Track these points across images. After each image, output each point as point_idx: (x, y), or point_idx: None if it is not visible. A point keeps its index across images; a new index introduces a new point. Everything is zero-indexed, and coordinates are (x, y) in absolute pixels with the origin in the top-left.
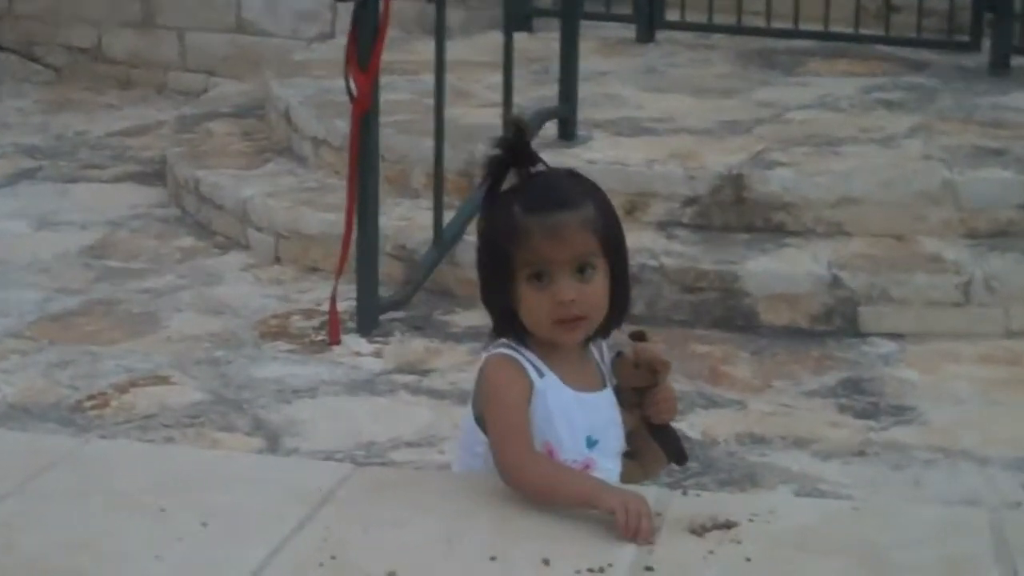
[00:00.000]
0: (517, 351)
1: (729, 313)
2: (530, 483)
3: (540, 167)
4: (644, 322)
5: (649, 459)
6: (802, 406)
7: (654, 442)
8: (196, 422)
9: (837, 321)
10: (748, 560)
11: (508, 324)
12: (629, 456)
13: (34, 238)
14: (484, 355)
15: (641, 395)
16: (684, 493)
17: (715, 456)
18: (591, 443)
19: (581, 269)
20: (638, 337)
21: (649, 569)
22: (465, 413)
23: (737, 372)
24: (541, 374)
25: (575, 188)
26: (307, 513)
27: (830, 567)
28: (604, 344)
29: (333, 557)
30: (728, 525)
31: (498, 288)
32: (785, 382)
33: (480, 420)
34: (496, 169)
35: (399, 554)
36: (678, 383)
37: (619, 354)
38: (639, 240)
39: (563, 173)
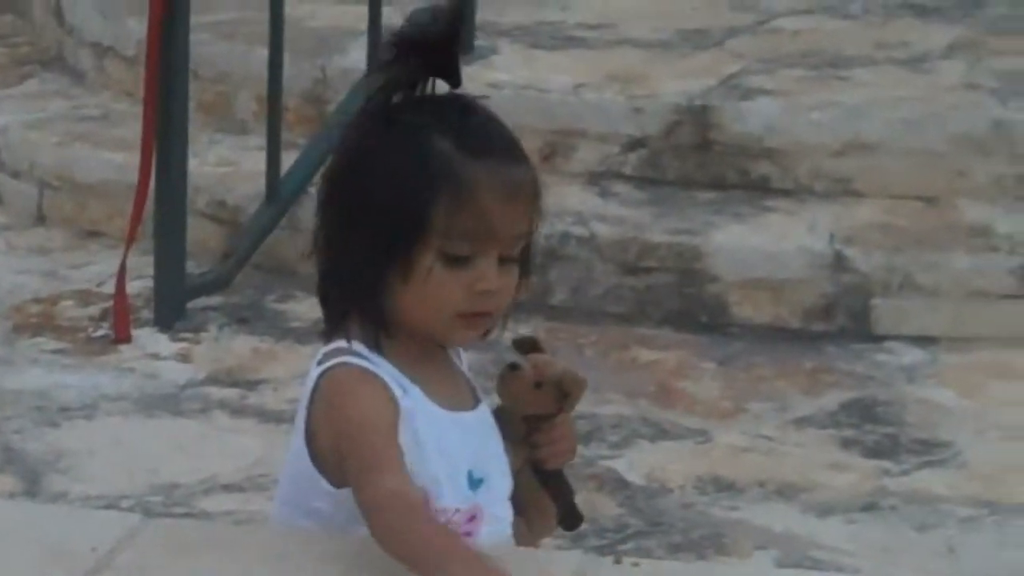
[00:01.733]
0: (371, 362)
1: (688, 305)
2: (389, 541)
3: (464, 89)
4: (566, 315)
5: (535, 513)
6: (790, 440)
7: (543, 492)
8: None
9: (841, 319)
10: None
11: (364, 317)
12: (513, 504)
13: None
14: (319, 368)
15: (531, 429)
16: (617, 561)
17: (664, 508)
18: (474, 482)
19: (506, 256)
20: (529, 346)
21: None
22: (291, 454)
23: (698, 390)
24: (403, 390)
25: (508, 129)
26: None
27: None
28: (460, 349)
29: None
30: None
31: (371, 261)
32: (766, 405)
33: (315, 460)
34: (404, 73)
35: None
36: (614, 404)
37: (512, 366)
38: (561, 199)
39: (474, 102)
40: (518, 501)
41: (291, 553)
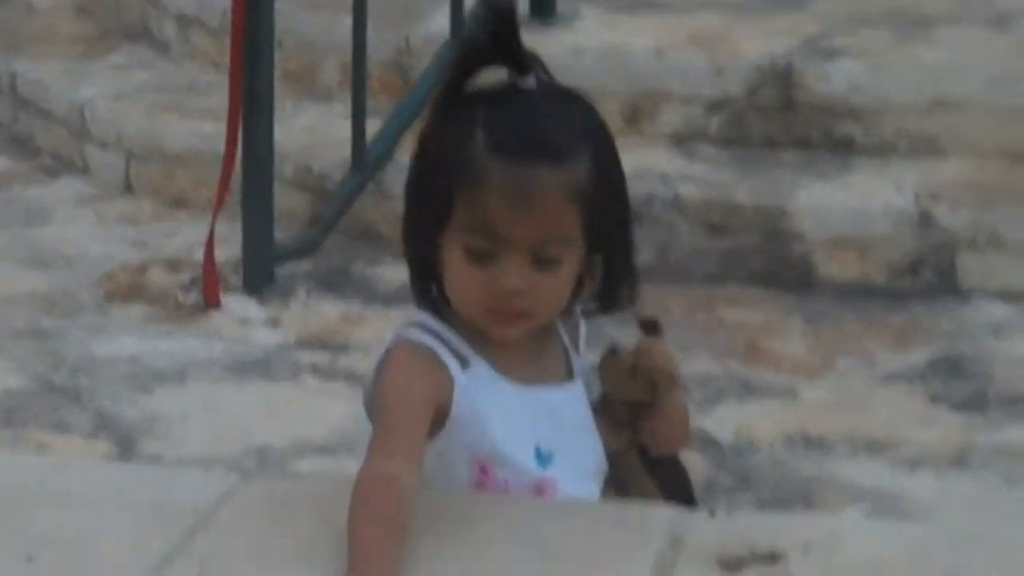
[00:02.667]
0: (435, 333)
1: (774, 265)
2: (352, 503)
3: (529, 79)
4: (652, 276)
5: (637, 496)
6: (878, 395)
7: (648, 479)
8: (14, 419)
9: (928, 276)
10: None
11: (426, 286)
12: (615, 487)
13: None
14: (393, 336)
15: (637, 412)
16: (712, 514)
17: (754, 465)
18: (542, 457)
19: (541, 257)
20: (648, 328)
21: None
22: (360, 414)
23: (786, 348)
24: (466, 363)
25: (570, 124)
26: (174, 543)
27: None
28: (582, 324)
29: None
30: (773, 558)
31: (423, 233)
32: (853, 361)
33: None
34: (468, 60)
35: None
36: (701, 363)
37: (612, 350)
38: (645, 161)
39: (559, 94)
40: (620, 483)
41: None
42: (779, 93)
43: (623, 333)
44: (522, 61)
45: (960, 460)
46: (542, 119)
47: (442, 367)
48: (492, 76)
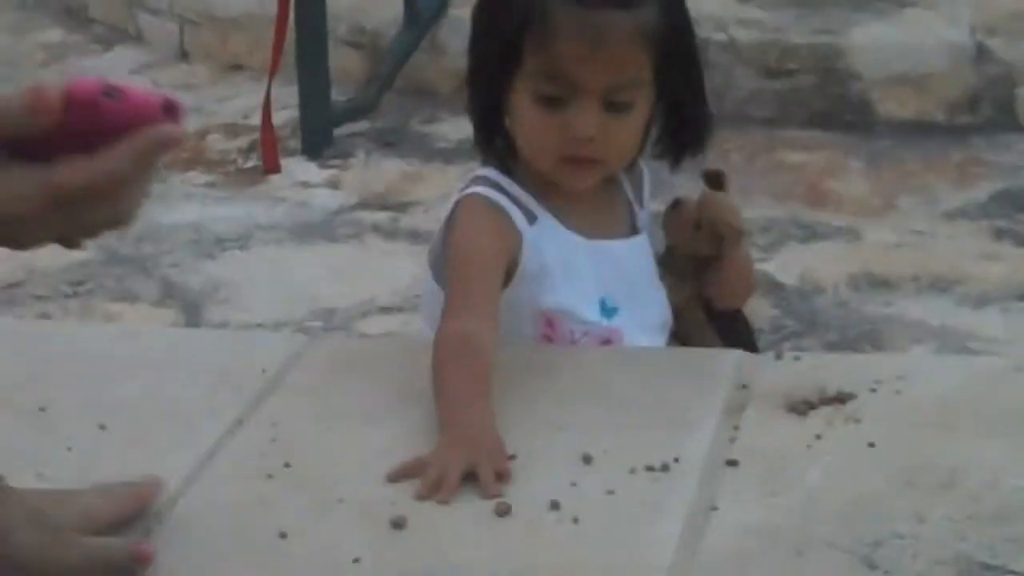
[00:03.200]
0: (501, 188)
1: (832, 105)
2: (435, 362)
3: None
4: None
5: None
6: (941, 233)
7: (712, 333)
8: (81, 290)
9: (987, 110)
10: (871, 446)
11: (491, 141)
12: (679, 340)
13: None
14: (458, 192)
15: (699, 266)
16: (779, 357)
17: (820, 308)
18: (607, 310)
19: (614, 101)
20: (713, 180)
21: (732, 463)
22: (425, 272)
23: (847, 188)
24: (533, 218)
25: None
26: (246, 405)
27: (985, 450)
28: (646, 176)
29: (287, 465)
30: (842, 399)
31: (491, 90)
32: (915, 200)
33: (441, 278)
34: None
35: (382, 458)
36: (763, 207)
37: (675, 203)
38: (698, 5)
39: None
40: (684, 336)
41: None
42: None
43: (687, 185)
44: None
45: None
46: None
47: (510, 221)
48: None
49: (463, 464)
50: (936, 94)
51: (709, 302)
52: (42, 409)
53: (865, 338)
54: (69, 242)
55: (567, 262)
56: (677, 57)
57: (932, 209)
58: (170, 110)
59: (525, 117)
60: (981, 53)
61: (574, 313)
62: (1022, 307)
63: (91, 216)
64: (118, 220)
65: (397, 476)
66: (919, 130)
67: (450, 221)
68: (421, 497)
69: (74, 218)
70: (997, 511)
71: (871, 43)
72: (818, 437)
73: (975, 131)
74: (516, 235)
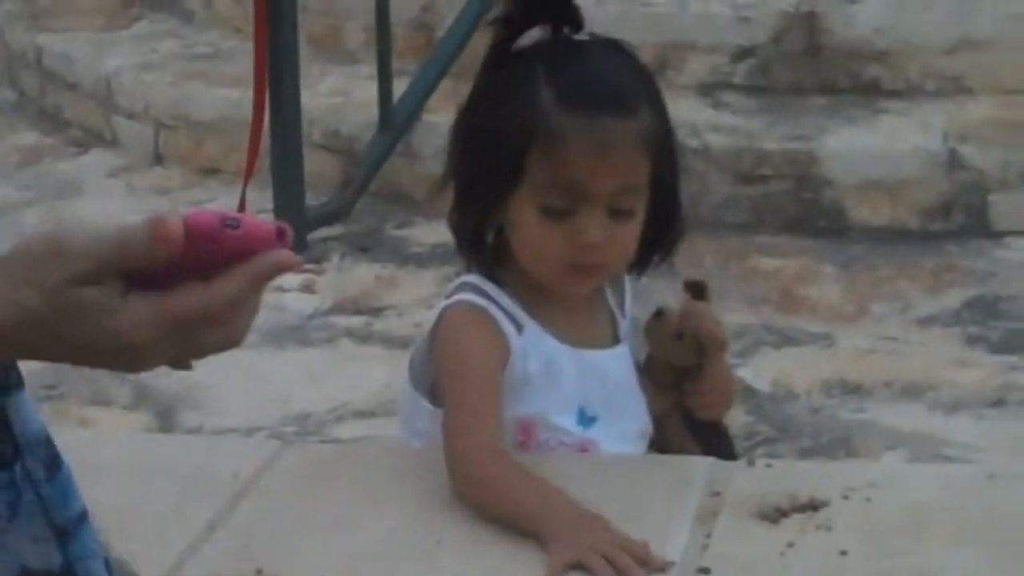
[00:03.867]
0: (488, 296)
1: (805, 211)
2: (480, 497)
3: (583, 32)
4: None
5: None
6: (914, 339)
7: (692, 442)
8: (55, 393)
9: (959, 217)
10: (843, 554)
11: (484, 252)
12: (658, 449)
13: None
14: (444, 302)
15: (681, 376)
16: (751, 464)
17: (792, 414)
18: (586, 419)
19: (618, 208)
20: (695, 291)
21: (704, 571)
22: (404, 378)
23: (820, 294)
24: (520, 326)
25: (629, 76)
26: (219, 511)
27: (958, 559)
28: (628, 286)
29: (259, 571)
30: (814, 506)
31: (486, 201)
32: (889, 306)
33: (434, 389)
34: (518, 18)
35: (352, 564)
36: (737, 313)
37: (658, 313)
38: (673, 111)
39: (610, 46)
40: (663, 445)
41: (423, 472)
42: (804, 38)
43: (667, 292)
44: (574, 16)
45: (999, 401)
46: (605, 71)
47: (500, 331)
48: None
49: (600, 554)
50: (909, 201)
51: (689, 412)
52: None
53: (839, 444)
54: (179, 364)
55: (550, 370)
56: (669, 162)
57: (905, 315)
58: (282, 237)
59: (529, 228)
60: (954, 160)
61: (551, 421)
62: (995, 414)
63: (205, 339)
64: (229, 342)
65: None
66: (892, 236)
67: (440, 331)
68: None
69: (190, 342)
70: None
71: (844, 150)
72: (790, 545)
73: (948, 237)
74: (506, 344)
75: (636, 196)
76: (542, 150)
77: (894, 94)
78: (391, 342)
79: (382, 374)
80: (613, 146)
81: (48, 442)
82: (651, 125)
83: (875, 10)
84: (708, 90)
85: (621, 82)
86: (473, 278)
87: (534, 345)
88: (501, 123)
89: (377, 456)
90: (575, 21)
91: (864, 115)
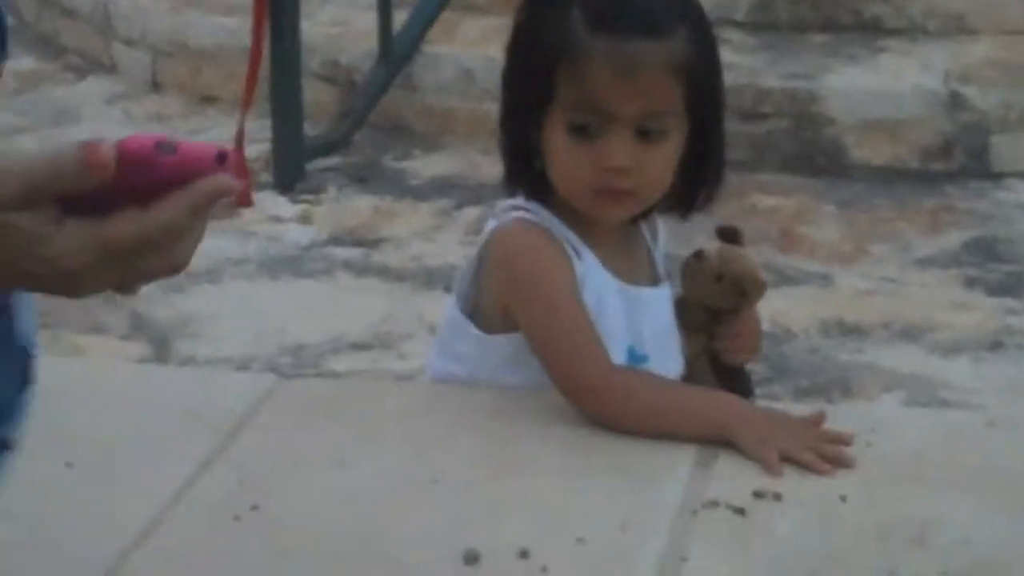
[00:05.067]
0: (543, 219)
1: (805, 149)
2: (622, 409)
3: None
4: None
5: None
6: (913, 280)
7: (717, 382)
8: (48, 320)
9: (960, 157)
10: (842, 499)
11: (530, 175)
12: None
13: None
14: (493, 223)
15: (713, 319)
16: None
17: (790, 354)
18: (636, 358)
19: (647, 130)
20: (728, 236)
21: (695, 514)
22: (449, 302)
23: (819, 234)
24: (579, 255)
25: (664, 1)
26: (214, 446)
27: (954, 506)
28: (661, 225)
29: (254, 507)
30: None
31: (525, 122)
32: (888, 246)
33: (476, 314)
34: None
35: (351, 502)
36: None
37: (697, 254)
38: None
39: None
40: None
41: (427, 409)
42: None
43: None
44: None
45: (997, 344)
46: None
47: (565, 252)
48: None
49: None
50: (909, 141)
51: (717, 355)
52: (4, 446)
53: (836, 385)
54: (124, 290)
55: (601, 304)
56: (706, 87)
57: (904, 256)
58: (223, 161)
59: (558, 149)
60: (955, 100)
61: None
62: (992, 357)
63: (145, 266)
64: (172, 268)
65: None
66: (892, 176)
67: (498, 250)
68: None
69: (128, 269)
70: (969, 569)
71: (845, 88)
72: (776, 497)
73: (948, 178)
74: (572, 266)
75: (667, 119)
76: (569, 70)
77: (896, 33)
78: (388, 274)
79: (379, 306)
80: (637, 68)
81: None
82: (685, 50)
83: None
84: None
85: (654, 5)
86: (523, 202)
87: (591, 276)
88: (535, 44)
89: (375, 393)
90: None
91: (865, 54)
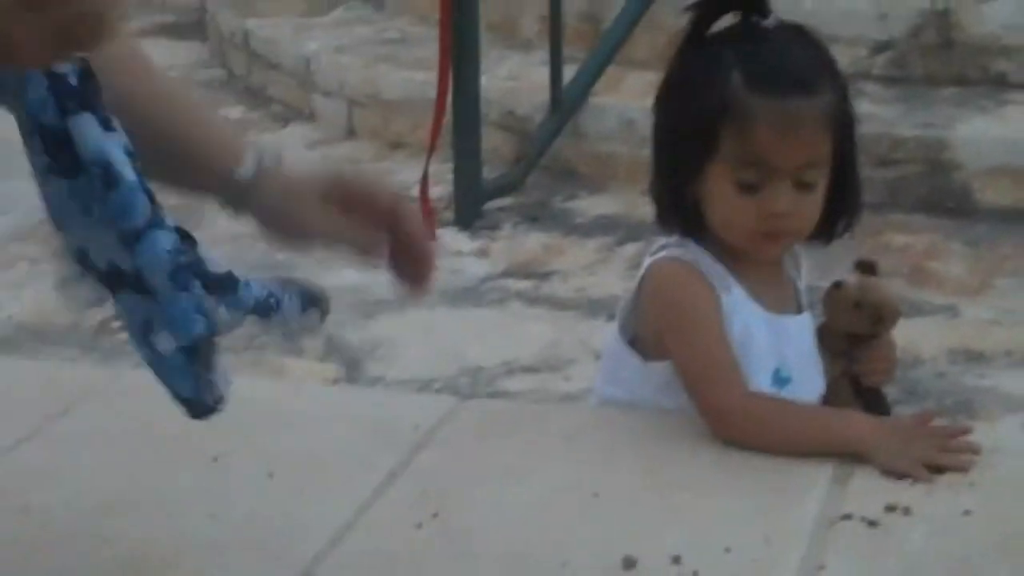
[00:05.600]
0: (694, 255)
1: (936, 192)
2: (757, 435)
3: (770, 19)
4: None
5: None
6: None
7: (856, 404)
8: (254, 344)
9: None
10: (967, 513)
11: (685, 217)
12: None
13: None
14: (649, 259)
15: (853, 344)
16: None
17: (919, 378)
18: (780, 380)
19: (803, 181)
20: (866, 268)
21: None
22: (611, 331)
23: (947, 269)
24: (727, 288)
25: (812, 59)
26: (399, 460)
27: None
28: (803, 258)
29: (435, 516)
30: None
31: (684, 172)
32: (1011, 281)
33: (636, 342)
34: (711, 6)
35: (523, 512)
36: None
37: (837, 284)
38: None
39: (793, 32)
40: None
41: (586, 430)
42: (938, 34)
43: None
44: (762, 5)
45: None
46: (792, 55)
47: (712, 286)
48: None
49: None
50: None
51: (857, 378)
52: (215, 458)
53: (961, 407)
54: (61, 54)
55: (747, 333)
56: (848, 137)
57: None
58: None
59: (722, 199)
60: None
61: (753, 381)
62: None
63: (64, 13)
64: (94, 16)
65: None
66: (1016, 217)
67: (653, 284)
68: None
69: (48, 17)
70: None
71: (973, 137)
72: (906, 511)
73: None
74: (718, 299)
75: (819, 169)
76: (734, 129)
77: (1020, 87)
78: (556, 304)
79: (547, 333)
80: (798, 125)
81: (104, 163)
82: (832, 103)
83: (1004, 9)
84: (848, 80)
85: (805, 64)
86: (677, 239)
87: (739, 307)
88: (696, 103)
89: (544, 414)
90: (763, 9)
91: (992, 105)
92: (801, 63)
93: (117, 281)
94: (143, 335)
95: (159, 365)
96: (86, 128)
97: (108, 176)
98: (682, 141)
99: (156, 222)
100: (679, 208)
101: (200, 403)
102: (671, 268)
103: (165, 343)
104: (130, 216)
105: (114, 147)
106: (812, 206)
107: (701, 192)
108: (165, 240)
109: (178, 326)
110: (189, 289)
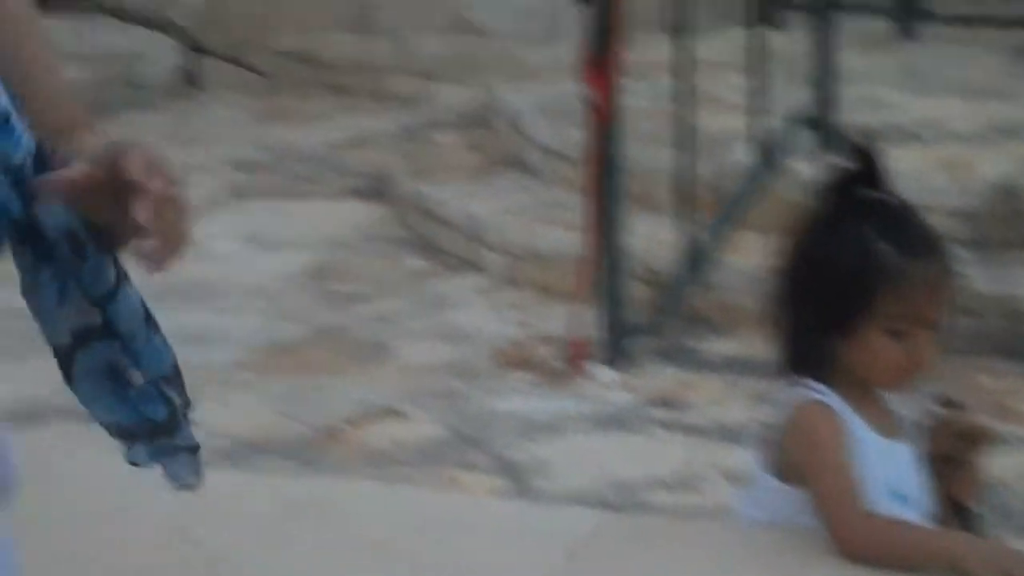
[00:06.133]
0: (828, 397)
1: (1013, 341)
2: (875, 553)
3: (895, 196)
4: None
5: None
6: None
7: (956, 525)
8: (431, 459)
9: None
10: None
11: (820, 363)
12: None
13: (250, 259)
14: (788, 397)
15: (948, 466)
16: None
17: (1009, 502)
18: (898, 497)
19: (935, 325)
20: (954, 405)
21: None
22: (755, 459)
23: None
24: (851, 421)
25: (930, 226)
26: (557, 564)
27: None
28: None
29: None
30: None
31: (835, 327)
32: None
33: (780, 473)
34: (844, 186)
35: None
36: None
37: (937, 413)
38: None
39: (906, 205)
40: (941, 523)
41: (734, 544)
42: (1009, 204)
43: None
44: (887, 183)
45: None
46: (924, 225)
47: (844, 424)
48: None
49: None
50: None
51: (952, 496)
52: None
53: None
54: None
55: (867, 457)
56: (953, 292)
57: None
58: None
59: (876, 349)
60: None
61: (873, 502)
62: None
63: None
64: None
65: None
66: None
67: (796, 422)
68: None
69: None
70: None
71: None
72: None
73: None
74: (849, 432)
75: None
76: (893, 290)
77: None
78: (691, 430)
79: (684, 455)
80: (943, 283)
81: (72, 235)
82: (951, 260)
83: None
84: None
85: (929, 230)
86: (810, 382)
87: (860, 434)
88: (846, 270)
89: (683, 529)
90: (886, 185)
91: None
92: (929, 230)
93: (82, 341)
94: (109, 380)
95: (123, 404)
96: (44, 207)
97: (76, 245)
98: (834, 301)
99: (123, 275)
100: (815, 355)
101: (174, 423)
102: (811, 408)
103: (138, 379)
104: (103, 280)
105: (65, 212)
106: (934, 348)
107: (846, 342)
108: (134, 293)
109: (152, 364)
110: (159, 330)
